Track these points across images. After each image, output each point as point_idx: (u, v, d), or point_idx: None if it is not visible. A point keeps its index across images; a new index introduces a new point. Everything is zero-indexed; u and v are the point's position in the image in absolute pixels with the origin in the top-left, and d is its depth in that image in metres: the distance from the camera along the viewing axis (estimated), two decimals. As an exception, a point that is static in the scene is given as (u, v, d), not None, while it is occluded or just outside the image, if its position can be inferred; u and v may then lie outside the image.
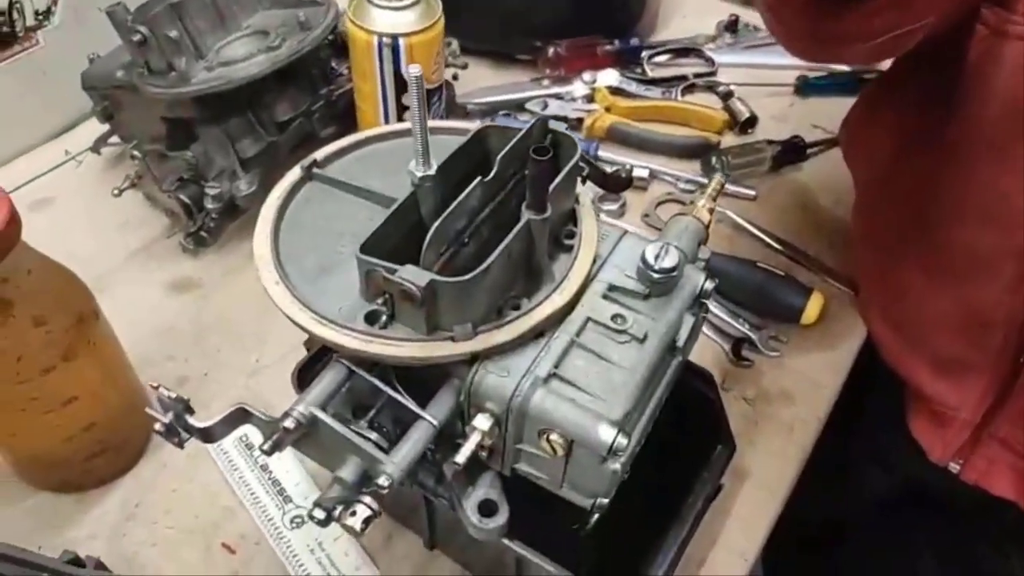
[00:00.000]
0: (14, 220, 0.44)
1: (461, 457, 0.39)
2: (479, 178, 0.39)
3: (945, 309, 0.61)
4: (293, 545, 0.56)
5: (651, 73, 0.94)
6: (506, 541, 0.45)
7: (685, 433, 0.54)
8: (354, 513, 0.37)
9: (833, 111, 0.92)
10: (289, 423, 0.38)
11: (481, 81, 0.91)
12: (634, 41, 0.93)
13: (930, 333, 0.63)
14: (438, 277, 0.36)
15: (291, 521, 0.57)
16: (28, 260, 0.47)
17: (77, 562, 0.40)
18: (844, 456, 0.79)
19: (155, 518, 0.57)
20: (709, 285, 0.44)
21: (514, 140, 0.41)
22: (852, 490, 0.84)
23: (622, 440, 0.37)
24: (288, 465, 0.60)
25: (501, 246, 0.37)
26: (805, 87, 0.94)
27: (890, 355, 0.67)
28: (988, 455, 0.64)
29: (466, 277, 0.36)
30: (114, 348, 0.56)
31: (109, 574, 0.39)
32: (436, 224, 0.37)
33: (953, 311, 0.61)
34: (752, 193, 0.82)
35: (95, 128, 0.78)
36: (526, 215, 0.39)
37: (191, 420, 0.39)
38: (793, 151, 0.85)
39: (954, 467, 0.66)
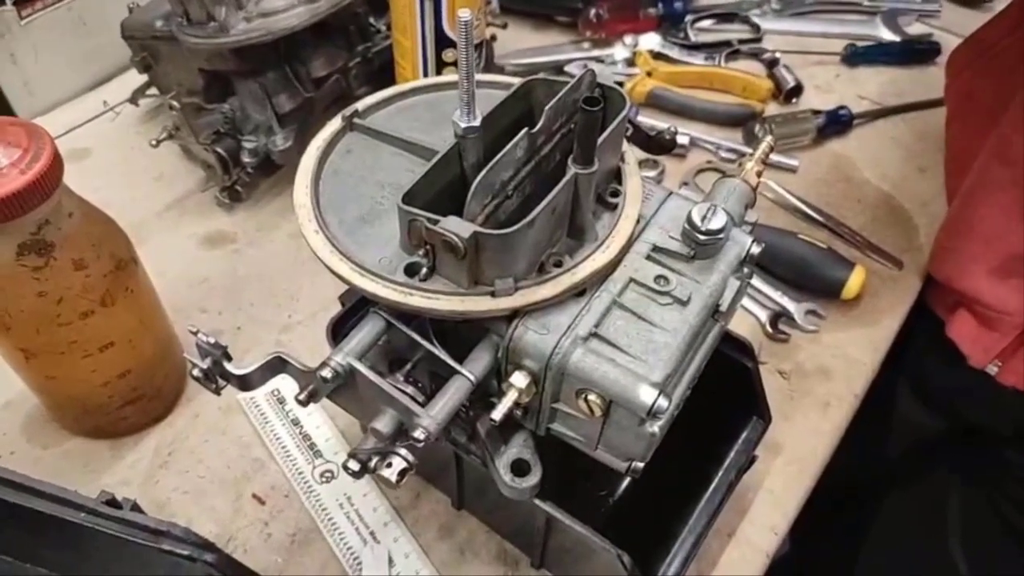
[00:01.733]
0: (57, 162, 0.44)
1: (497, 414, 0.38)
2: (525, 129, 0.38)
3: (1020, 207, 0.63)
4: (322, 499, 0.56)
5: (694, 38, 0.92)
6: (538, 502, 0.44)
7: (720, 402, 0.53)
8: (390, 465, 0.37)
9: (881, 81, 0.90)
10: (326, 372, 0.38)
11: (520, 42, 0.90)
12: (678, 5, 0.91)
13: (1002, 234, 0.65)
14: (482, 229, 0.35)
15: (321, 475, 0.57)
16: (69, 204, 0.47)
17: (113, 503, 0.40)
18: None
19: (187, 467, 0.58)
20: (756, 249, 0.43)
21: (562, 92, 0.40)
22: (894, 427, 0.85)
23: (663, 402, 0.36)
24: (319, 420, 0.60)
25: (547, 199, 0.36)
26: (852, 56, 0.91)
27: (947, 267, 0.70)
28: None
29: (510, 230, 0.35)
30: (150, 296, 0.56)
31: (145, 515, 0.39)
32: (481, 174, 0.36)
33: None
34: (795, 163, 0.80)
35: (134, 79, 0.78)
36: (572, 169, 0.38)
37: (229, 367, 0.39)
38: (838, 122, 0.82)
39: (992, 369, 0.68)
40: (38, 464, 0.57)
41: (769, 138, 0.49)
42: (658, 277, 0.41)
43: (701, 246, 0.41)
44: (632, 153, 0.45)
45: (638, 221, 0.42)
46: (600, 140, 0.39)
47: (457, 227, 0.35)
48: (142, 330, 0.54)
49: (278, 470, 0.58)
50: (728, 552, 0.55)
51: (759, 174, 0.47)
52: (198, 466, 0.58)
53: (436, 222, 0.36)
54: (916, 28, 0.96)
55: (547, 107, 0.39)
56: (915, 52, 0.93)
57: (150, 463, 0.58)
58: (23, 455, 0.58)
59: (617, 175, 0.44)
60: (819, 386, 0.64)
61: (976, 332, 0.69)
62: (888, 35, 0.95)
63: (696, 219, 0.41)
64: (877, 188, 0.79)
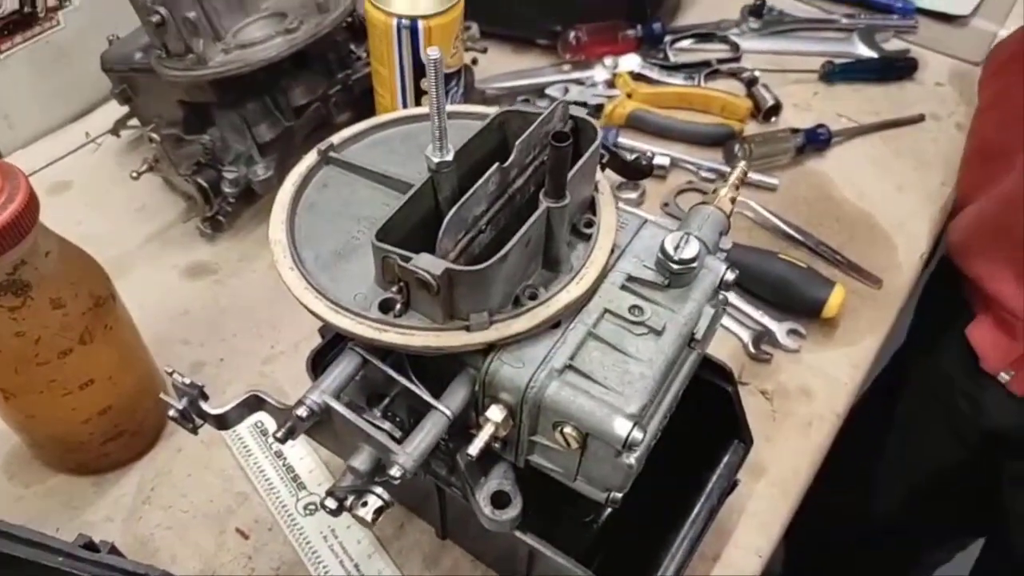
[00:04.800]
0: (32, 202, 0.44)
1: (474, 449, 0.39)
2: (497, 164, 0.38)
3: None
4: (306, 531, 0.56)
5: (674, 58, 0.93)
6: (518, 533, 0.44)
7: (701, 427, 0.53)
8: (365, 504, 0.37)
9: (859, 99, 0.91)
10: (302, 411, 0.38)
11: (501, 66, 0.90)
12: (656, 26, 0.92)
13: None
14: (454, 266, 0.35)
15: (304, 508, 0.57)
16: (46, 243, 0.47)
17: (91, 546, 0.40)
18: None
19: (170, 502, 0.58)
20: (730, 276, 0.43)
21: (533, 125, 0.40)
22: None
23: (638, 434, 0.37)
24: (302, 452, 0.60)
25: (519, 233, 0.37)
26: (831, 74, 0.92)
27: (974, 265, 0.71)
28: None
29: (483, 265, 0.35)
30: (130, 332, 0.56)
31: (123, 559, 0.39)
32: (452, 211, 0.36)
33: None
34: (774, 183, 0.80)
35: (114, 111, 0.78)
36: (544, 202, 0.38)
37: (205, 406, 0.39)
38: (817, 141, 0.83)
39: (1004, 376, 0.68)
40: (20, 502, 0.57)
41: (743, 164, 0.49)
42: (633, 307, 0.41)
43: (675, 275, 0.41)
44: (606, 183, 0.45)
45: (612, 251, 0.42)
46: (572, 172, 0.39)
47: (429, 264, 0.35)
48: (122, 366, 0.54)
49: (261, 503, 0.57)
50: (713, 576, 0.55)
51: (733, 200, 0.48)
52: (181, 501, 0.58)
53: (409, 259, 0.36)
54: (893, 44, 0.97)
55: (518, 141, 0.39)
56: (893, 68, 0.94)
57: (133, 499, 0.58)
58: (4, 494, 0.57)
59: (592, 205, 0.44)
60: (801, 406, 0.64)
61: (995, 336, 0.69)
62: (866, 52, 0.96)
63: (669, 248, 0.41)
64: (856, 206, 0.80)
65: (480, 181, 0.37)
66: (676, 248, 0.41)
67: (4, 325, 0.46)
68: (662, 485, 0.54)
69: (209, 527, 0.56)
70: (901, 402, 0.87)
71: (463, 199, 0.37)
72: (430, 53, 0.35)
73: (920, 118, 0.88)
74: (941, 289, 0.83)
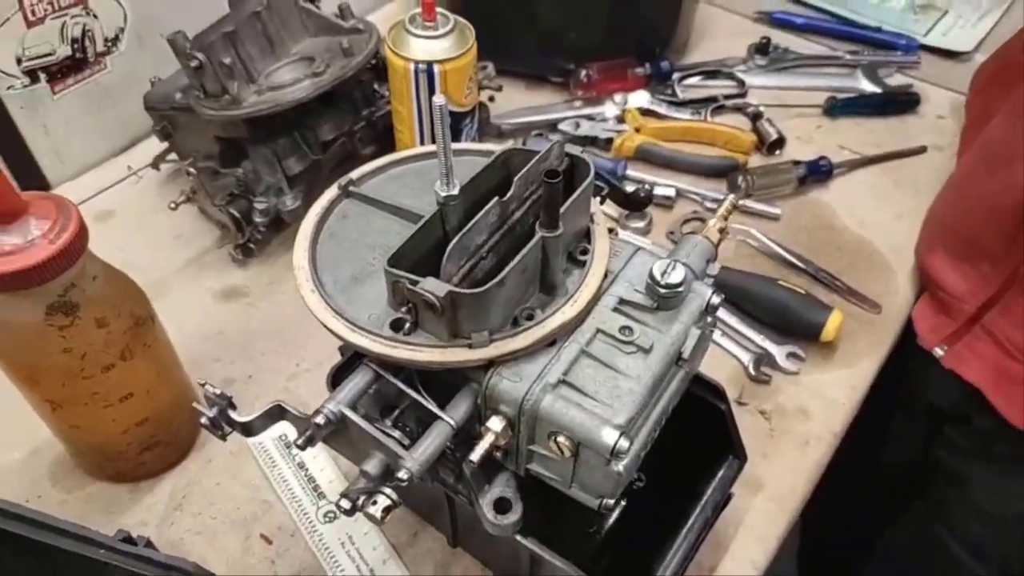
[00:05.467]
0: (82, 231, 0.49)
1: (476, 455, 0.42)
2: (496, 197, 0.42)
3: (979, 193, 0.71)
4: (325, 538, 0.60)
5: (681, 95, 0.97)
6: (519, 538, 0.48)
7: (698, 444, 0.56)
8: (375, 503, 0.40)
9: (861, 132, 0.94)
10: (320, 419, 0.42)
11: (516, 102, 0.95)
12: (664, 64, 0.96)
13: (960, 219, 0.73)
14: (456, 288, 0.39)
15: (324, 515, 0.61)
16: (93, 267, 0.52)
17: (130, 540, 0.44)
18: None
19: (200, 509, 0.62)
20: (716, 300, 0.47)
21: (531, 163, 0.44)
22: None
23: (624, 443, 0.40)
24: (323, 463, 0.64)
25: (515, 260, 0.41)
26: (834, 108, 0.95)
27: (922, 252, 0.77)
28: (971, 344, 0.71)
29: (482, 289, 0.39)
30: (167, 350, 0.61)
31: (157, 552, 0.43)
32: (455, 240, 0.40)
33: (985, 195, 0.70)
34: (777, 212, 0.84)
35: (154, 146, 0.84)
36: (540, 232, 0.42)
37: (233, 415, 0.43)
38: (818, 172, 0.86)
39: (938, 352, 0.74)
40: (63, 507, 0.61)
41: (731, 196, 0.53)
42: (623, 328, 0.44)
43: (663, 298, 0.45)
44: (601, 214, 0.49)
45: (606, 276, 0.46)
46: (567, 205, 0.43)
47: (434, 287, 0.39)
48: (159, 381, 0.59)
49: (284, 511, 0.61)
50: (709, 587, 0.58)
51: (721, 230, 0.51)
52: (210, 508, 0.62)
53: (416, 283, 0.40)
54: (896, 80, 1.01)
55: (516, 177, 0.43)
56: (895, 102, 0.97)
57: (166, 506, 0.62)
58: (49, 499, 0.62)
59: (587, 234, 0.48)
60: (799, 425, 0.67)
61: (930, 313, 0.75)
62: (869, 87, 0.99)
63: (657, 274, 0.45)
64: (856, 235, 0.82)
65: (481, 213, 0.42)
66: (663, 274, 0.45)
67: (54, 342, 0.51)
68: (662, 499, 0.57)
69: (236, 532, 0.60)
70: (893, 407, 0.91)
71: (465, 229, 0.41)
72: (436, 101, 0.40)
73: (922, 149, 0.91)
74: None
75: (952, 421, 0.80)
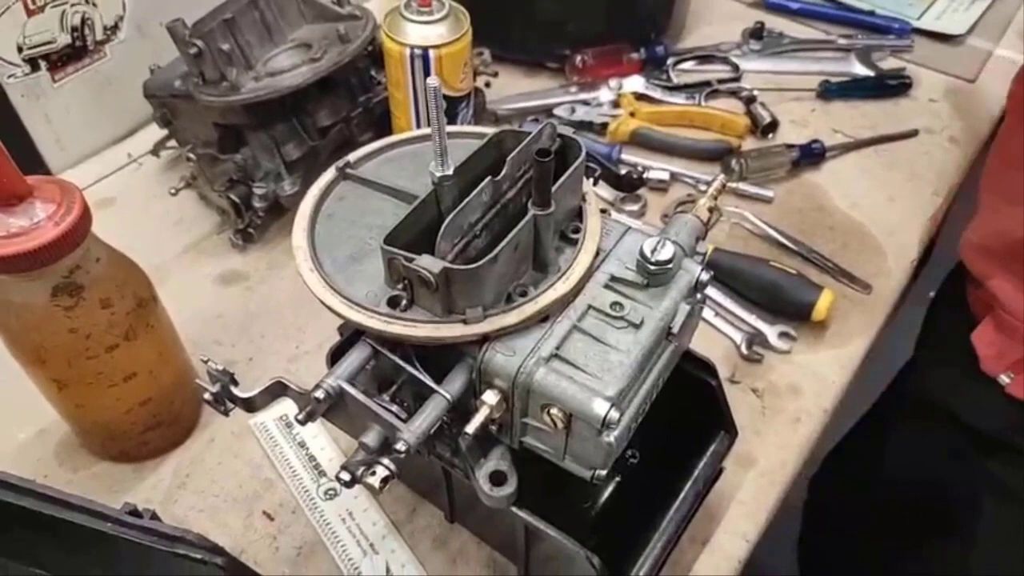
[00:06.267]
0: (87, 213, 0.50)
1: (471, 427, 0.43)
2: (489, 177, 0.43)
3: None
4: (326, 514, 0.61)
5: (676, 79, 0.97)
6: (514, 509, 0.49)
7: (690, 419, 0.58)
8: (374, 473, 0.42)
9: (854, 115, 0.95)
10: (319, 394, 0.43)
11: (512, 88, 0.96)
12: (659, 49, 0.97)
13: None
14: (450, 265, 0.41)
15: (325, 493, 0.62)
16: (97, 250, 0.53)
17: (136, 513, 0.45)
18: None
19: (203, 487, 0.63)
20: (705, 277, 0.48)
21: (523, 143, 0.45)
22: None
23: (614, 414, 0.41)
24: (323, 443, 0.65)
25: (508, 238, 0.42)
26: (828, 92, 0.96)
27: (983, 269, 0.72)
28: None
29: (475, 265, 0.40)
30: (169, 331, 0.62)
31: (162, 523, 0.45)
32: (449, 218, 0.41)
33: None
34: (770, 195, 0.85)
35: (154, 133, 0.85)
36: (532, 210, 0.43)
37: (235, 391, 0.44)
38: (811, 155, 0.87)
39: (1004, 379, 0.69)
40: (69, 485, 0.63)
41: (721, 177, 0.54)
42: (614, 303, 0.45)
43: (653, 275, 0.46)
44: (593, 194, 0.50)
45: (597, 254, 0.47)
46: (559, 184, 0.44)
47: (429, 264, 0.40)
48: (162, 362, 0.60)
49: (286, 489, 0.63)
50: (702, 559, 0.59)
51: (711, 209, 0.52)
52: (213, 486, 0.63)
53: (411, 259, 0.41)
54: (889, 63, 1.01)
55: (509, 157, 0.44)
56: (888, 86, 0.98)
57: (170, 484, 0.63)
58: (56, 478, 0.63)
59: (579, 214, 0.49)
60: (790, 403, 0.68)
61: (995, 337, 0.70)
62: (862, 71, 1.00)
63: (647, 251, 0.46)
64: (848, 216, 0.83)
65: (474, 192, 0.43)
66: (653, 251, 0.46)
67: (59, 322, 0.52)
68: (656, 475, 0.59)
69: (238, 510, 0.62)
70: (902, 412, 0.89)
71: (459, 207, 0.42)
72: (429, 82, 0.41)
73: (914, 133, 0.92)
74: (948, 303, 0.85)
75: (1000, 449, 0.75)
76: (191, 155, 0.77)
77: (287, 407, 0.65)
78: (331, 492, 0.62)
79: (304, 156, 0.78)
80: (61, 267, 0.50)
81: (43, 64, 0.81)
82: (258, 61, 0.75)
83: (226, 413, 0.45)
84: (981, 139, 0.92)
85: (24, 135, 0.83)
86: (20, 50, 0.79)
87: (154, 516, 0.46)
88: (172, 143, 0.85)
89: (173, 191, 0.79)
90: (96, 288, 0.53)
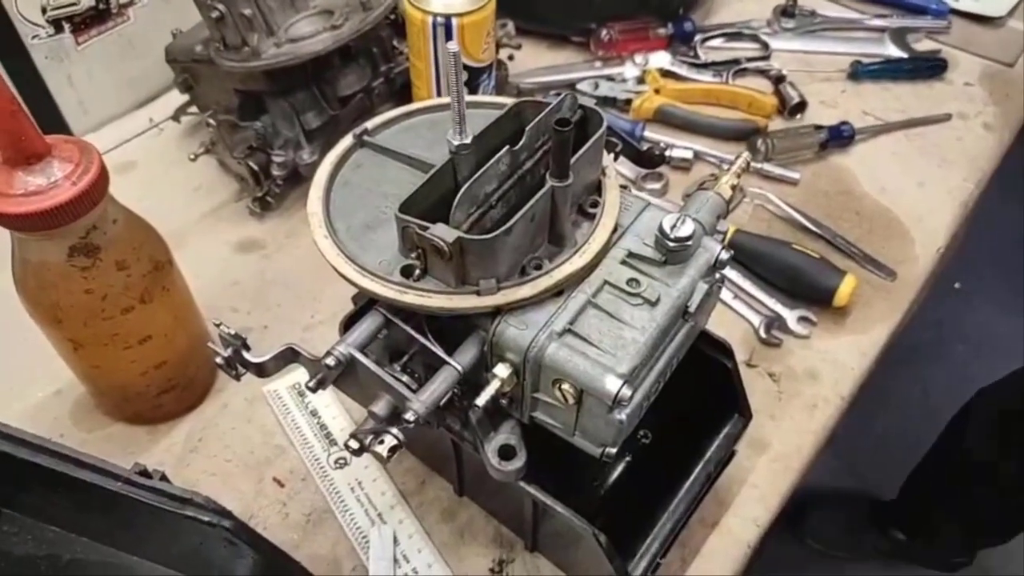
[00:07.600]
0: (104, 174, 0.50)
1: (481, 400, 0.43)
2: (507, 146, 0.43)
3: None
4: (336, 483, 0.61)
5: (704, 56, 0.95)
6: (523, 484, 0.49)
7: (705, 401, 0.57)
8: (382, 442, 0.41)
9: (886, 97, 0.92)
10: (330, 360, 0.43)
11: (536, 61, 0.94)
12: (687, 25, 0.95)
13: None
14: (464, 234, 0.40)
15: (335, 462, 0.62)
16: (114, 211, 0.53)
17: (145, 473, 0.45)
18: None
19: (215, 452, 0.63)
20: (724, 255, 0.47)
21: (543, 113, 0.44)
22: None
23: (626, 391, 0.40)
24: (335, 412, 0.65)
25: (524, 209, 0.41)
26: (858, 73, 0.94)
27: None
28: None
29: (489, 235, 0.40)
30: (185, 295, 0.62)
31: (171, 484, 0.45)
32: (465, 187, 0.41)
33: None
34: (796, 177, 0.83)
35: (175, 99, 0.85)
36: (549, 182, 0.42)
37: (247, 355, 0.44)
38: (840, 137, 0.85)
39: None
40: (83, 446, 0.63)
41: (745, 154, 0.53)
42: (630, 280, 0.45)
43: (671, 252, 0.45)
44: (613, 168, 0.49)
45: (615, 230, 0.46)
46: (578, 156, 0.43)
47: (443, 233, 0.40)
48: (177, 325, 0.60)
49: (297, 456, 0.63)
50: (710, 541, 0.59)
51: (734, 187, 0.51)
52: (225, 451, 0.64)
53: (426, 228, 0.41)
54: (924, 45, 0.99)
55: (528, 127, 0.43)
56: (922, 68, 0.95)
57: (183, 447, 0.64)
58: (71, 438, 0.64)
59: (598, 188, 0.48)
60: (807, 388, 0.67)
61: None
62: (896, 52, 0.97)
63: (666, 227, 0.45)
64: (875, 201, 0.82)
65: (491, 161, 0.42)
66: (673, 227, 0.45)
67: (76, 283, 0.52)
68: (669, 455, 0.58)
69: (249, 475, 0.62)
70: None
71: (475, 176, 0.41)
72: (449, 47, 0.40)
73: (947, 117, 0.90)
74: None
75: None
76: (211, 121, 0.77)
77: (300, 375, 0.65)
78: (341, 461, 0.62)
79: (324, 125, 0.77)
80: (78, 227, 0.50)
81: (67, 26, 0.81)
82: (279, 27, 0.74)
83: (237, 377, 0.45)
84: (1017, 126, 0.90)
85: (48, 98, 0.83)
86: (44, 11, 0.78)
87: (163, 477, 0.46)
88: (193, 109, 0.85)
89: (193, 157, 0.79)
90: (112, 250, 0.53)
